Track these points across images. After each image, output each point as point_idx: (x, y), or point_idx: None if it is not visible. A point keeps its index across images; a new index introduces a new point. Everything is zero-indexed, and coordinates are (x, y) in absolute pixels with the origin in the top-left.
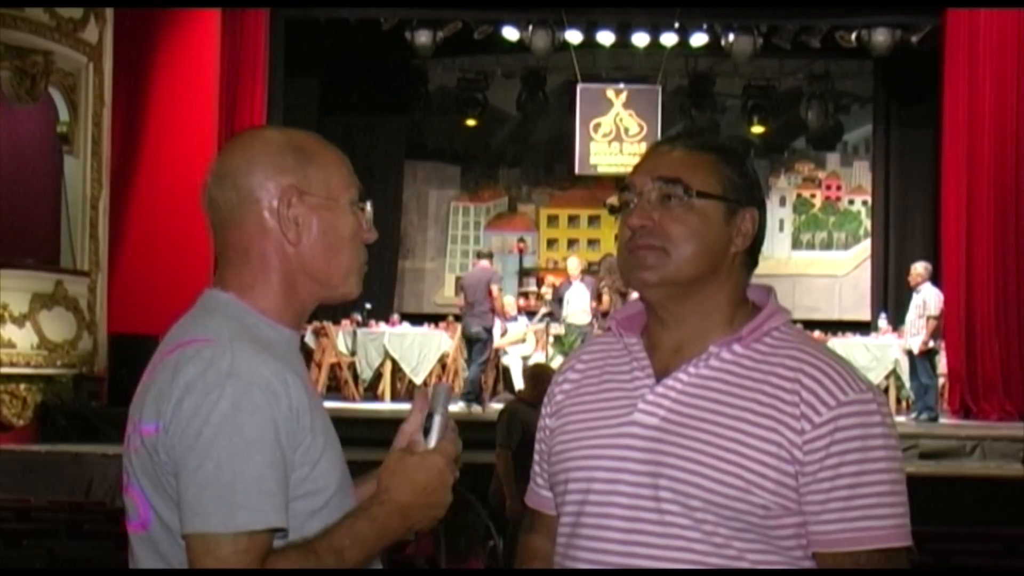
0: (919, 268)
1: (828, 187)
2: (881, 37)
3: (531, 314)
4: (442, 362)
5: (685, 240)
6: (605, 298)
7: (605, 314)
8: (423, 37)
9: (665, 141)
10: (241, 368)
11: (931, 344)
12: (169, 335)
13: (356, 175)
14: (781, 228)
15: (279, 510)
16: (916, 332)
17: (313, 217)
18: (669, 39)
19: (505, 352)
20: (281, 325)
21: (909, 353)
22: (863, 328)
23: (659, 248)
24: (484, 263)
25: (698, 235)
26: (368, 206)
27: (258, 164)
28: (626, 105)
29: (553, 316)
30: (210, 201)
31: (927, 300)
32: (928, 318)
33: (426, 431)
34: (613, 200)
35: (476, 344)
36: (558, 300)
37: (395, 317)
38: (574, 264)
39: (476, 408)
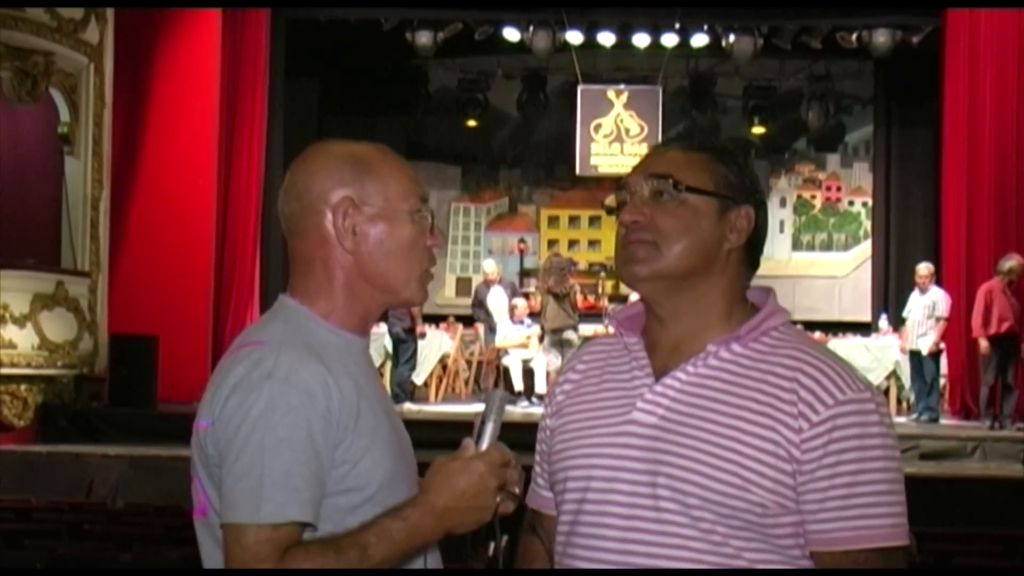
0: (931, 269)
1: (828, 188)
2: (881, 38)
3: (533, 316)
4: (443, 362)
5: (676, 234)
6: (538, 298)
7: (536, 315)
8: (424, 38)
9: (662, 143)
10: (281, 370)
11: (941, 345)
12: (239, 337)
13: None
14: (781, 229)
15: (304, 505)
16: (924, 332)
17: (370, 227)
18: (670, 40)
19: (506, 353)
20: (344, 330)
21: (915, 353)
22: (863, 329)
23: (650, 242)
24: None
25: (689, 230)
26: (429, 212)
27: (318, 177)
28: (627, 106)
29: (474, 318)
30: (280, 212)
31: (936, 302)
32: (939, 319)
33: (478, 436)
34: (610, 200)
35: (400, 345)
36: (479, 304)
37: None
38: (491, 266)
39: (407, 406)
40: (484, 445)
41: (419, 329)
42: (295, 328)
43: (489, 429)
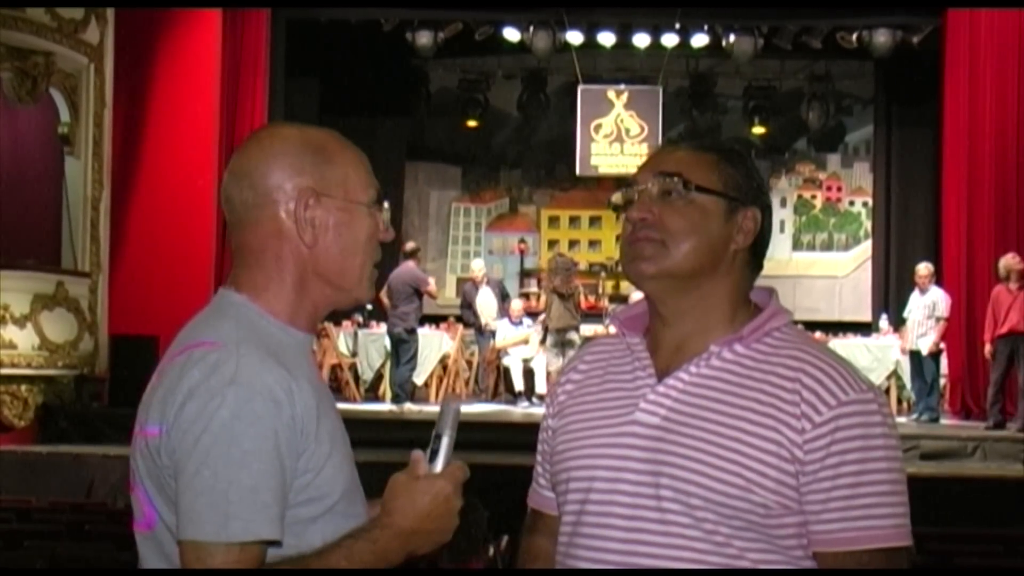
0: (931, 269)
1: (829, 188)
2: (882, 38)
3: (532, 315)
4: (443, 363)
5: (684, 234)
6: (541, 298)
7: (537, 314)
8: (424, 38)
9: (670, 142)
10: (244, 375)
11: (941, 345)
12: (180, 336)
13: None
14: (782, 229)
15: (273, 522)
16: (924, 333)
17: (330, 219)
18: (670, 40)
19: (506, 353)
20: (293, 328)
21: (915, 354)
22: (864, 329)
23: (658, 240)
24: (410, 263)
25: (697, 229)
26: (386, 206)
27: (276, 164)
28: (627, 106)
29: (463, 320)
30: (227, 199)
31: (937, 302)
32: (939, 319)
33: (433, 453)
34: (616, 197)
35: (401, 345)
36: (468, 305)
37: None
38: (479, 267)
39: (408, 406)
40: (440, 462)
41: (433, 290)
42: (248, 327)
43: (444, 444)
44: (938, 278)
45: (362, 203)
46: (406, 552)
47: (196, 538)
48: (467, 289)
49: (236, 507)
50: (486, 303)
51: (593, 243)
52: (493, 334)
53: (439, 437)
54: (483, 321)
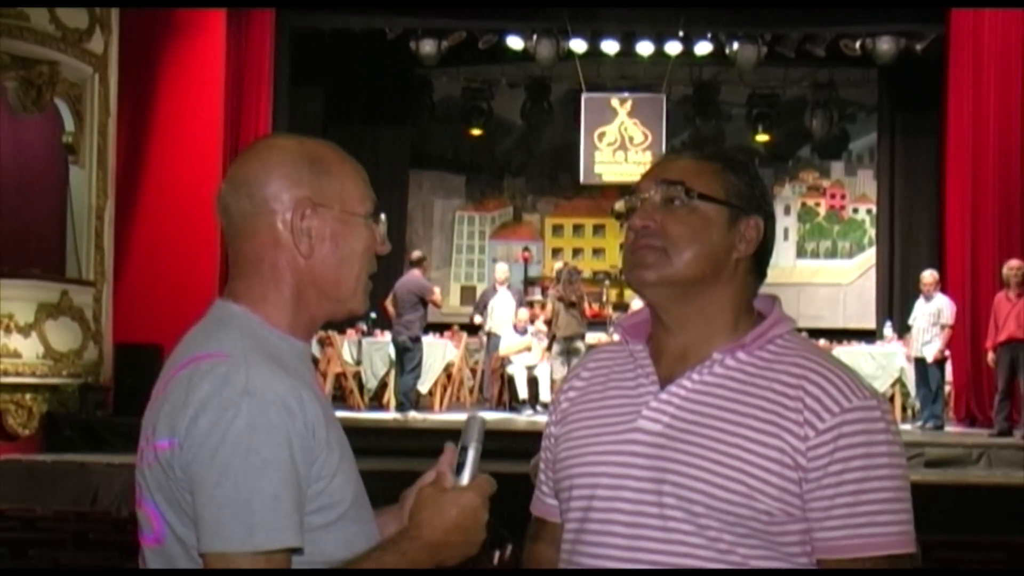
0: (935, 276)
1: (833, 196)
2: (885, 46)
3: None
4: (447, 371)
5: (685, 241)
6: (548, 306)
7: (548, 322)
8: (428, 47)
9: (674, 151)
10: (257, 385)
11: (945, 353)
12: (181, 347)
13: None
14: (786, 237)
15: (296, 529)
16: (929, 340)
17: (326, 229)
18: (673, 48)
19: (510, 361)
20: (293, 337)
21: (920, 361)
22: (868, 336)
23: (659, 248)
24: (415, 272)
25: (699, 237)
26: (383, 218)
27: (274, 174)
28: (631, 114)
29: (472, 326)
30: (224, 209)
31: (942, 309)
32: (943, 326)
33: (459, 466)
34: (619, 205)
35: (405, 354)
36: (482, 307)
37: None
38: (502, 270)
39: (412, 415)
40: (467, 474)
41: (438, 299)
42: (252, 337)
43: (471, 456)
44: (942, 285)
45: (359, 215)
46: (434, 564)
47: (223, 549)
48: (486, 291)
49: (260, 516)
50: (502, 306)
51: (597, 251)
52: (499, 339)
53: (465, 449)
54: (491, 322)
